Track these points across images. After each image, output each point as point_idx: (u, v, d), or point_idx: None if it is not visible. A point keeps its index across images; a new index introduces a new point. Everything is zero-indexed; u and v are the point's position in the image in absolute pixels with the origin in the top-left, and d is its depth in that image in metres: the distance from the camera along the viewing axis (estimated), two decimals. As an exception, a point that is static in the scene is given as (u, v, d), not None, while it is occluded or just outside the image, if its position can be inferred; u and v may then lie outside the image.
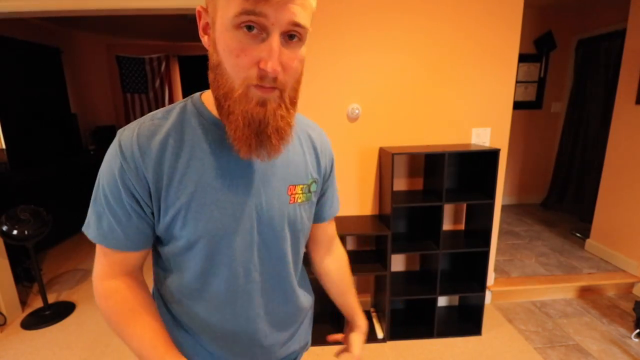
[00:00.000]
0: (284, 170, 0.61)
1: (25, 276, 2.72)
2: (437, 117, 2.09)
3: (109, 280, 0.59)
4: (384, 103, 2.04)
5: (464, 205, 2.21)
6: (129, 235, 0.56)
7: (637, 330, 2.03)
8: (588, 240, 2.97)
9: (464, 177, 2.12)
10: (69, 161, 3.81)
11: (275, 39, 0.45)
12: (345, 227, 1.97)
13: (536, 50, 3.89)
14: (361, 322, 0.87)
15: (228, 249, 0.58)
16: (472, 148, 1.92)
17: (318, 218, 0.75)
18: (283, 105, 0.51)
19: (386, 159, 1.95)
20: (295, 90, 0.52)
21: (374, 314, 2.26)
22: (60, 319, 2.30)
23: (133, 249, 0.58)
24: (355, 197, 2.15)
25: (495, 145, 2.10)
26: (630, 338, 2.02)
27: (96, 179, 0.57)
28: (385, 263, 1.94)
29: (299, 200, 0.64)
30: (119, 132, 0.56)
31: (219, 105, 0.52)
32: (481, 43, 2.00)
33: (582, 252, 2.93)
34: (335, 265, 0.84)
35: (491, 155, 1.87)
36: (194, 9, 1.95)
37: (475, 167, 2.04)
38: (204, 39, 0.52)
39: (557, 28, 3.81)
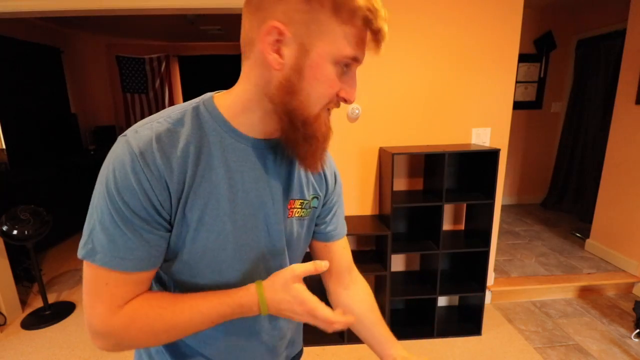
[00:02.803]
0: (287, 185, 0.61)
1: (25, 276, 2.73)
2: (437, 117, 2.09)
3: (124, 307, 0.50)
4: (384, 103, 2.04)
5: (464, 205, 2.21)
6: (151, 251, 0.50)
7: (637, 330, 2.03)
8: (588, 240, 2.97)
9: (464, 177, 2.12)
10: (69, 161, 3.81)
11: (355, 74, 0.52)
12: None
13: (536, 50, 3.89)
14: (399, 351, 0.71)
15: (238, 261, 0.57)
16: (472, 148, 1.92)
17: (325, 237, 0.72)
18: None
19: (386, 159, 1.95)
20: None
21: (374, 314, 2.26)
22: (60, 319, 2.30)
23: (153, 267, 0.52)
24: (355, 197, 2.15)
25: (495, 145, 2.10)
26: (630, 338, 2.02)
27: (94, 194, 0.49)
28: (385, 263, 1.94)
29: (296, 215, 0.63)
30: (130, 137, 0.49)
31: (291, 129, 0.52)
32: (481, 43, 2.00)
33: (582, 252, 2.93)
34: (356, 298, 0.75)
35: (491, 155, 1.87)
36: (194, 9, 1.95)
37: (475, 167, 2.04)
38: (271, 57, 0.48)
39: (557, 28, 3.82)
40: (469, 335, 2.07)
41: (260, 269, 0.60)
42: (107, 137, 4.64)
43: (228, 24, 3.98)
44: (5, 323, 2.23)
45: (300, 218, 0.64)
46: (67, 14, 1.94)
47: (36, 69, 3.67)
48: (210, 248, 0.54)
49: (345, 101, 0.52)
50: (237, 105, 0.54)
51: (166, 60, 5.05)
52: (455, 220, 2.25)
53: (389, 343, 0.71)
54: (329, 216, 0.71)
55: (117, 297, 0.49)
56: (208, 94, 0.57)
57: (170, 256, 0.54)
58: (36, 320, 2.27)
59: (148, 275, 0.52)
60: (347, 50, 0.48)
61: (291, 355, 0.76)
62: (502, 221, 3.63)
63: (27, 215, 2.14)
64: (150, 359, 0.65)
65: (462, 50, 2.01)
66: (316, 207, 0.67)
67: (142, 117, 5.17)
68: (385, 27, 0.49)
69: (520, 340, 2.03)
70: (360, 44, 0.48)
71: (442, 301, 2.35)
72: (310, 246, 0.73)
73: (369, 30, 0.48)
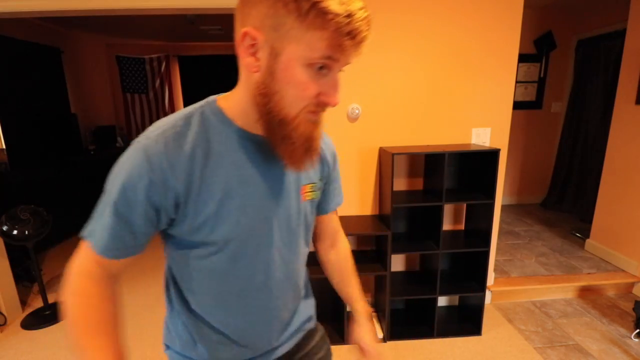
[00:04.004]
0: (298, 173, 0.66)
1: (25, 276, 2.72)
2: (437, 117, 2.09)
3: (90, 280, 0.58)
4: (384, 103, 2.04)
5: (464, 205, 2.21)
6: (134, 245, 0.57)
7: (637, 330, 2.03)
8: (588, 240, 2.97)
9: (464, 177, 2.12)
10: (69, 161, 3.81)
11: (337, 76, 0.52)
12: (345, 227, 1.96)
13: (536, 50, 3.89)
14: (359, 307, 0.86)
15: (253, 250, 0.63)
16: (472, 148, 1.92)
17: (322, 210, 0.80)
18: (321, 123, 0.57)
19: (386, 159, 1.95)
20: None
21: (374, 314, 2.26)
22: (60, 319, 2.30)
23: (130, 256, 0.59)
24: (355, 197, 2.15)
25: (495, 145, 2.10)
26: (630, 338, 2.02)
27: (107, 185, 0.55)
28: (385, 263, 1.94)
29: (308, 198, 0.70)
30: (141, 142, 0.54)
31: (270, 129, 0.54)
32: (481, 43, 2.00)
33: (582, 252, 2.93)
34: (337, 256, 0.89)
35: (491, 155, 1.87)
36: (194, 9, 1.95)
37: (475, 167, 2.04)
38: (248, 60, 0.51)
39: (557, 28, 3.82)
40: (469, 335, 2.07)
41: (275, 254, 0.66)
42: (107, 137, 4.64)
43: (228, 24, 3.98)
44: (5, 323, 2.23)
45: (312, 200, 0.71)
46: (67, 14, 1.94)
47: (36, 69, 3.67)
48: (228, 238, 0.59)
49: (327, 105, 0.52)
50: (237, 106, 0.58)
51: (166, 60, 5.05)
52: (455, 220, 2.25)
53: (353, 297, 0.87)
54: (330, 192, 0.80)
55: (90, 265, 0.58)
56: (212, 97, 0.61)
57: (191, 245, 0.60)
58: (36, 320, 2.27)
59: (122, 263, 0.59)
60: (317, 54, 0.47)
61: (305, 327, 0.82)
62: (502, 221, 3.63)
63: (27, 215, 2.14)
64: (176, 332, 0.70)
65: (462, 50, 2.01)
66: (320, 188, 0.75)
67: (142, 117, 5.18)
68: (360, 28, 0.47)
69: (520, 340, 2.03)
70: (333, 47, 0.47)
71: (442, 301, 2.35)
72: None
73: (344, 33, 0.46)
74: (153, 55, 5.01)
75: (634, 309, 2.10)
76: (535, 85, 4.00)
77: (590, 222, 2.94)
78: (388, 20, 1.94)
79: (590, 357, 1.89)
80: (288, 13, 0.46)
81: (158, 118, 5.27)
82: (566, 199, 3.97)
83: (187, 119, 0.56)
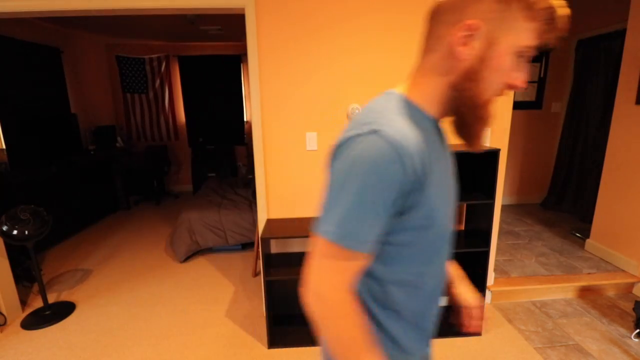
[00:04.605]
0: None
1: (25, 276, 2.73)
2: (437, 117, 2.09)
3: (346, 293, 0.59)
4: (384, 103, 2.04)
5: (464, 205, 2.21)
6: (379, 236, 0.58)
7: (637, 330, 2.03)
8: (588, 240, 2.97)
9: (464, 177, 2.12)
10: (69, 161, 3.81)
11: (527, 63, 0.58)
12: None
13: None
14: (452, 270, 0.88)
15: (448, 228, 0.67)
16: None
17: None
18: None
19: (386, 159, 1.95)
20: None
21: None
22: (60, 319, 2.30)
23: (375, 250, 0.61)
24: (355, 197, 2.15)
25: (495, 145, 2.10)
26: (630, 338, 2.02)
27: (346, 180, 0.55)
28: (385, 263, 1.94)
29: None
30: (383, 133, 0.54)
31: (467, 111, 0.59)
32: (481, 43, 2.00)
33: (582, 252, 2.93)
34: None
35: (491, 155, 1.87)
36: (194, 9, 1.95)
37: (475, 167, 2.04)
38: (459, 49, 0.56)
39: (557, 28, 3.81)
40: (469, 335, 2.07)
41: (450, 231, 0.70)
42: (107, 137, 4.64)
43: (228, 24, 3.98)
44: (5, 323, 2.23)
45: None
46: (67, 14, 1.94)
47: (36, 69, 3.67)
48: (441, 217, 0.62)
49: (516, 87, 0.58)
50: (429, 95, 0.61)
51: (166, 60, 5.05)
52: (455, 220, 2.25)
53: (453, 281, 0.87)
54: None
55: (343, 276, 0.59)
56: (393, 92, 0.63)
57: (404, 231, 0.60)
58: (36, 320, 2.27)
59: (367, 260, 0.61)
60: (529, 42, 0.54)
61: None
62: (502, 221, 3.63)
63: (27, 215, 2.14)
64: (379, 323, 0.67)
65: (462, 50, 2.00)
66: None
67: (142, 117, 5.17)
68: (561, 22, 0.54)
69: (520, 340, 2.03)
70: (538, 37, 0.54)
71: (442, 301, 2.35)
72: None
73: (550, 26, 0.53)
74: (153, 55, 5.02)
75: (634, 309, 2.10)
76: (535, 85, 4.00)
77: (590, 222, 2.95)
78: (388, 20, 1.94)
79: (590, 357, 1.89)
80: (515, 8, 0.52)
81: (158, 118, 5.30)
82: (566, 199, 3.97)
83: (399, 113, 0.58)
